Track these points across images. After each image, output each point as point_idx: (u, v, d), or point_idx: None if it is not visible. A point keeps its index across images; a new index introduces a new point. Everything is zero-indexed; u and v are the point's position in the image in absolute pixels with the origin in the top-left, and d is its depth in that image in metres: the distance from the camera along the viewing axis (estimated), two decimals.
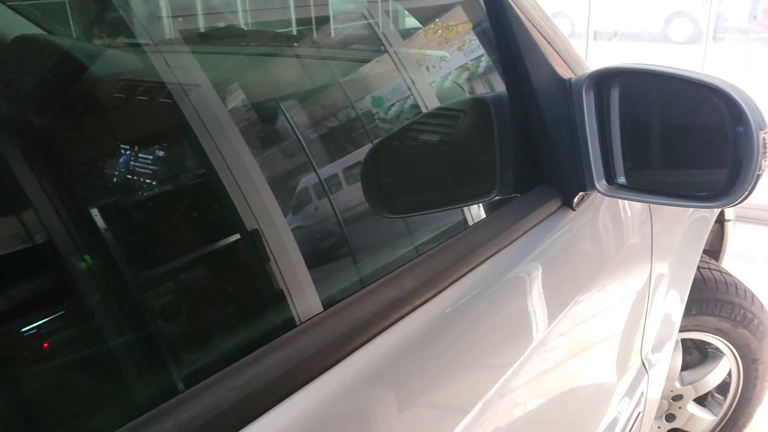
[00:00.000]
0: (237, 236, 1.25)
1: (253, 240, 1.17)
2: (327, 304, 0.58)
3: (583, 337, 0.98)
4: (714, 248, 2.01)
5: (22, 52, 1.55)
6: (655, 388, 1.34)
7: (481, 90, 1.93)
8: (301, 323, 0.52)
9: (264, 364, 0.46)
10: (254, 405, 0.44)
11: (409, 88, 2.01)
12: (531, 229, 0.82)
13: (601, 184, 0.86)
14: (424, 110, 1.74)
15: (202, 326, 1.19)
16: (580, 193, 0.91)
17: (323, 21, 2.23)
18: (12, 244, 1.43)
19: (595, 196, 0.99)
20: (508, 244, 0.77)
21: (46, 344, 1.26)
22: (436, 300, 0.63)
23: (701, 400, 1.83)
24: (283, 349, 0.48)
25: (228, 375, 0.44)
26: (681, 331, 1.66)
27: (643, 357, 1.25)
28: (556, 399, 0.90)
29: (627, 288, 1.13)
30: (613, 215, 1.08)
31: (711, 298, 1.64)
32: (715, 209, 1.60)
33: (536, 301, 0.83)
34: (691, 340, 1.74)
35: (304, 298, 0.90)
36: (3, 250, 1.37)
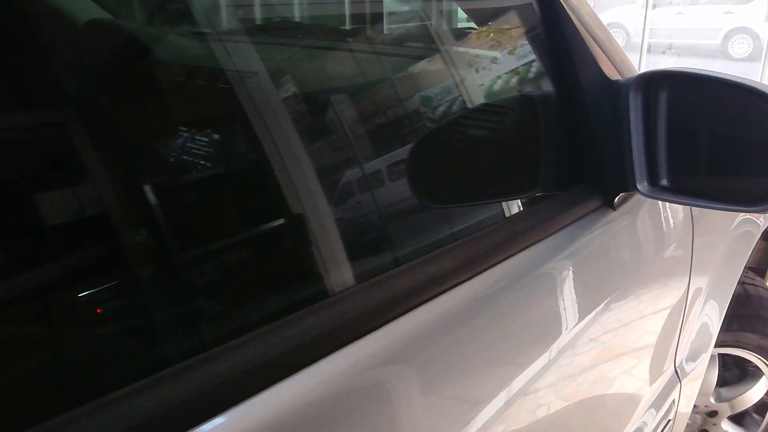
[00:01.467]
0: (282, 218, 1.30)
1: (298, 222, 1.22)
2: (367, 277, 0.61)
3: (613, 342, 0.97)
4: (761, 266, 1.97)
5: (92, 35, 1.64)
6: (687, 399, 1.33)
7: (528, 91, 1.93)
8: (343, 290, 0.56)
9: (307, 323, 0.50)
10: (298, 358, 0.48)
11: (459, 89, 2.03)
12: (569, 224, 0.84)
13: (643, 185, 0.87)
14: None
15: (243, 296, 1.24)
16: (622, 194, 0.92)
17: (377, 18, 2.28)
18: (73, 215, 1.51)
19: (636, 201, 1.00)
20: (546, 237, 0.79)
21: (99, 310, 1.34)
22: (472, 282, 0.66)
23: (738, 419, 1.79)
24: (328, 310, 0.52)
25: (275, 328, 0.48)
26: (720, 346, 1.64)
27: (676, 365, 1.24)
28: (581, 402, 0.90)
29: (663, 298, 1.13)
30: (654, 222, 1.08)
31: (754, 314, 1.61)
32: (761, 225, 1.57)
33: (568, 299, 0.84)
34: (731, 356, 1.71)
35: (349, 274, 0.93)
36: (65, 219, 1.46)
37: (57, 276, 1.40)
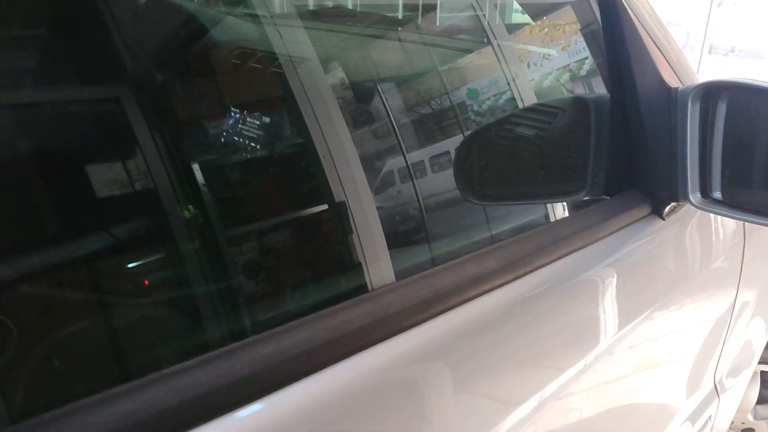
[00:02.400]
0: (327, 205, 1.32)
1: (344, 213, 1.23)
2: (411, 273, 0.62)
3: (652, 353, 0.96)
4: None
5: (153, 13, 1.68)
6: (724, 415, 1.30)
7: (581, 93, 1.91)
8: (387, 285, 0.57)
9: (353, 312, 0.51)
10: (343, 346, 0.49)
11: (508, 84, 2.01)
12: (616, 231, 0.83)
13: (695, 196, 0.86)
14: (519, 107, 1.74)
15: (289, 283, 1.27)
16: (672, 204, 0.90)
17: (430, 8, 2.27)
18: (124, 188, 1.56)
19: (686, 211, 0.98)
20: (591, 243, 0.78)
21: (146, 281, 1.39)
22: (513, 285, 0.66)
23: None
24: (371, 302, 0.53)
25: (322, 317, 0.50)
26: (763, 363, 1.59)
27: (716, 380, 1.22)
28: (614, 410, 0.89)
29: (707, 311, 1.11)
30: (703, 233, 1.05)
31: None
32: None
33: (608, 306, 0.83)
34: None
35: (389, 267, 0.94)
36: (117, 191, 1.51)
37: (106, 246, 1.44)
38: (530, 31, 2.65)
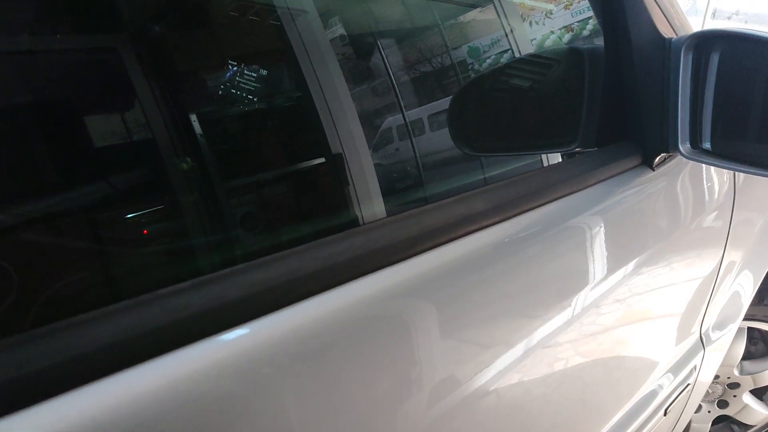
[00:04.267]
0: (323, 155, 1.33)
1: (340, 159, 1.24)
2: (399, 212, 0.63)
3: (638, 305, 0.97)
4: None
5: None
6: (709, 367, 1.33)
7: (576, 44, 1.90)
8: (377, 220, 0.58)
9: (343, 245, 0.53)
10: (332, 277, 0.51)
11: (509, 43, 1.99)
12: (605, 179, 0.84)
13: (684, 146, 0.87)
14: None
15: (284, 218, 1.29)
16: (662, 154, 0.91)
17: None
18: (121, 139, 1.57)
19: (676, 163, 0.99)
20: (579, 190, 0.79)
21: (145, 231, 1.41)
22: (501, 226, 0.68)
23: (759, 393, 1.79)
24: (359, 236, 0.54)
25: (312, 247, 0.51)
26: (749, 319, 1.63)
27: (702, 332, 1.25)
28: (599, 361, 0.91)
29: (694, 265, 1.12)
30: (693, 187, 1.06)
31: None
32: None
33: (597, 254, 0.85)
34: (759, 330, 1.70)
35: (381, 207, 0.95)
36: (114, 141, 1.51)
37: (103, 195, 1.46)
38: None
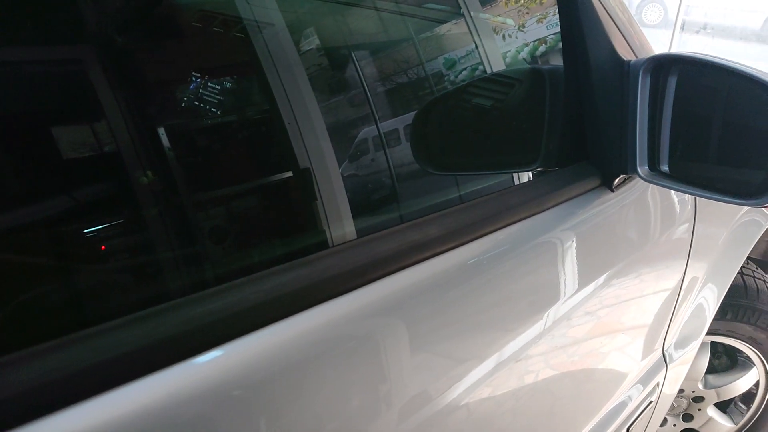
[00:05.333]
0: (288, 171, 1.32)
1: (303, 176, 1.23)
2: (351, 238, 0.62)
3: (606, 320, 0.98)
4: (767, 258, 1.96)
5: None
6: (671, 383, 1.34)
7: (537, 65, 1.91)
8: (325, 249, 0.57)
9: (287, 276, 0.51)
10: (275, 309, 0.49)
11: (480, 56, 2.00)
12: (564, 201, 0.84)
13: (643, 169, 0.87)
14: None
15: (245, 247, 1.27)
16: (621, 176, 0.92)
17: None
18: (84, 151, 1.53)
19: (635, 183, 0.99)
20: (539, 212, 0.79)
21: (103, 246, 1.37)
22: (459, 251, 0.67)
23: (723, 407, 1.81)
24: (306, 268, 0.53)
25: (253, 280, 0.50)
26: (713, 334, 1.65)
27: (664, 350, 1.26)
28: (569, 374, 0.92)
29: (655, 283, 1.13)
30: (653, 206, 1.07)
31: (749, 306, 1.61)
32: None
33: (560, 273, 0.85)
34: (722, 344, 1.72)
35: (334, 230, 0.94)
36: (75, 155, 1.48)
37: (66, 209, 1.42)
38: (506, 3, 2.64)
